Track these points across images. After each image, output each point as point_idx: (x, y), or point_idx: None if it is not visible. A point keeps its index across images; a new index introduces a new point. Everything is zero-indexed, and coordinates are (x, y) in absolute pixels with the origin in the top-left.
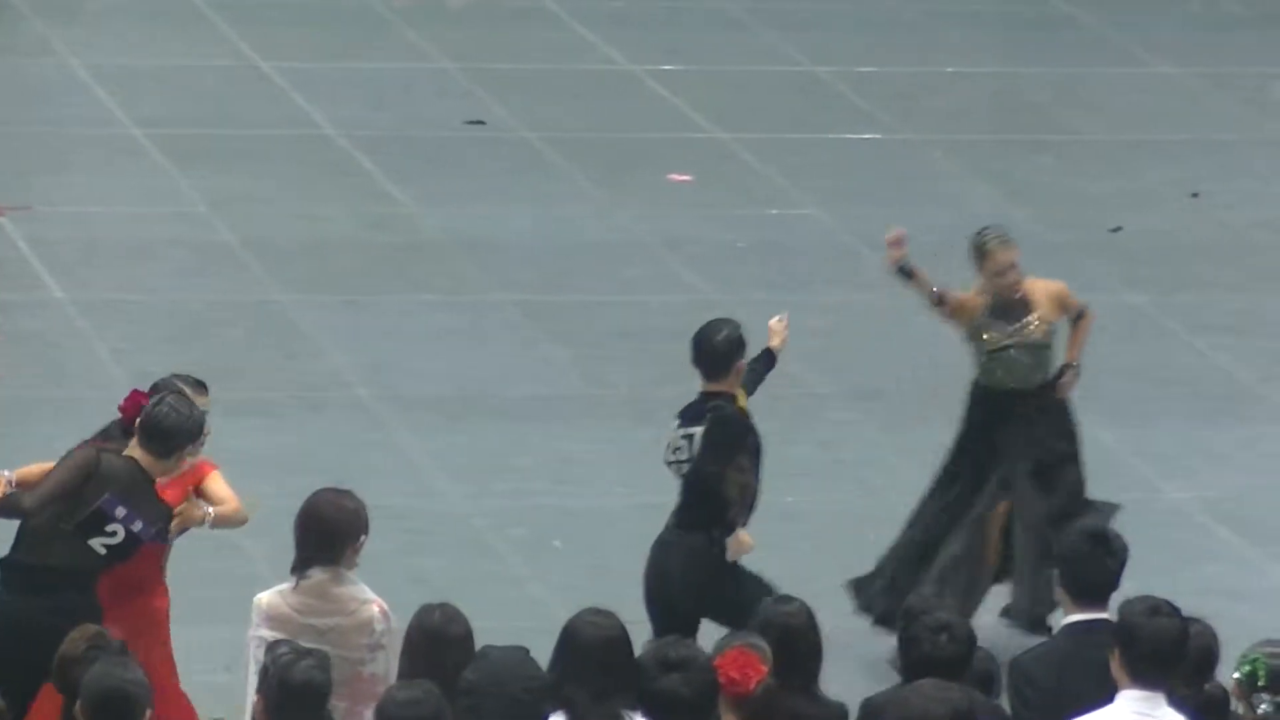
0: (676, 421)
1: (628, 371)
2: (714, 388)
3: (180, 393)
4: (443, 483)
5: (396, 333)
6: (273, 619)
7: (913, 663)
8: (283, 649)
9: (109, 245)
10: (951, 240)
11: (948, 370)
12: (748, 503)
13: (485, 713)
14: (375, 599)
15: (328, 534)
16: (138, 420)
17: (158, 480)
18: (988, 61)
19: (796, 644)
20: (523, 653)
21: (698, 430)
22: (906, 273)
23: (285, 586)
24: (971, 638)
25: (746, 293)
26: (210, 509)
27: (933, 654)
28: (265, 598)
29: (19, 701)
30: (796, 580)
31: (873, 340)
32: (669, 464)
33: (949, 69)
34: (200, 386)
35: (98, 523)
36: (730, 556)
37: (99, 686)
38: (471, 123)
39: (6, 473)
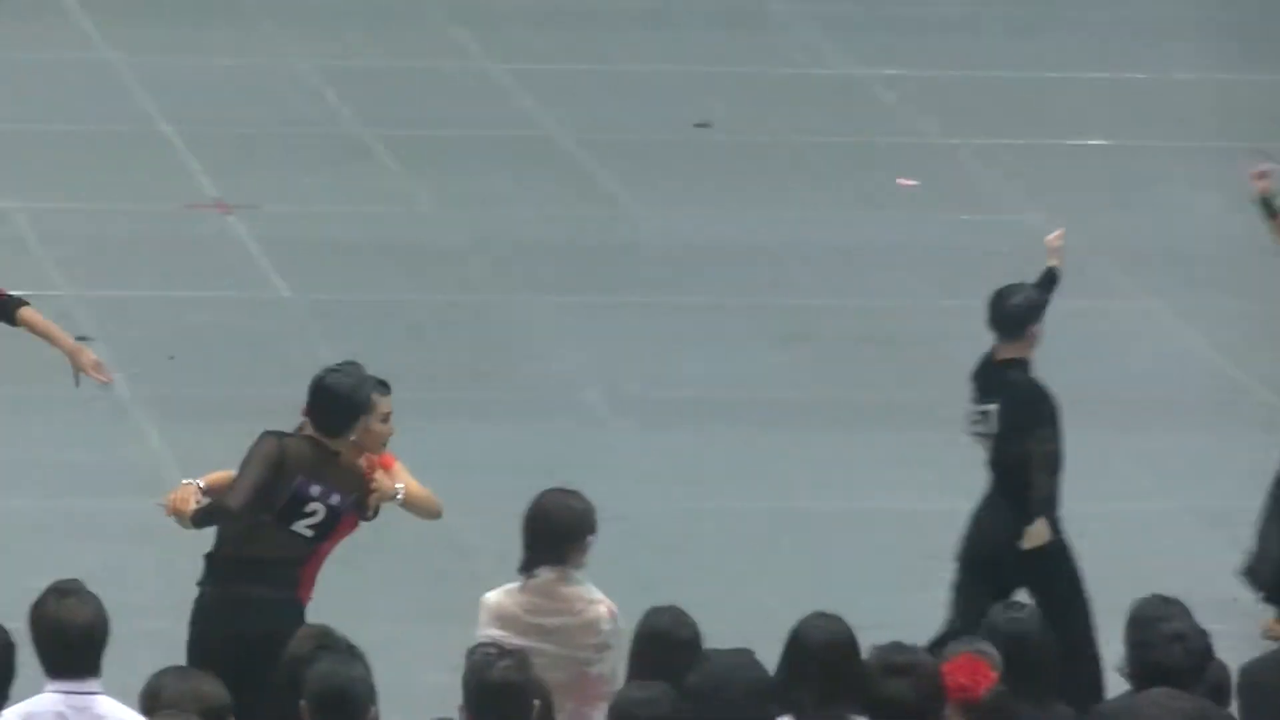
0: (970, 390)
1: (862, 376)
2: (1007, 353)
3: (351, 371)
4: (666, 485)
5: (623, 335)
6: (501, 618)
7: (1144, 671)
8: (483, 649)
9: (336, 245)
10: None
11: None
12: (1053, 468)
13: (713, 715)
14: (603, 599)
15: (555, 534)
16: (309, 397)
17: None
18: (1216, 68)
19: (1026, 651)
20: (748, 655)
21: (993, 407)
22: (1271, 208)
23: (513, 586)
24: (1207, 648)
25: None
26: (403, 484)
27: (1164, 662)
28: (493, 597)
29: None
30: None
31: (1096, 345)
32: (971, 435)
33: (1177, 75)
34: (382, 387)
35: (297, 506)
36: (1024, 545)
37: (324, 685)
38: (699, 125)
39: (198, 482)
